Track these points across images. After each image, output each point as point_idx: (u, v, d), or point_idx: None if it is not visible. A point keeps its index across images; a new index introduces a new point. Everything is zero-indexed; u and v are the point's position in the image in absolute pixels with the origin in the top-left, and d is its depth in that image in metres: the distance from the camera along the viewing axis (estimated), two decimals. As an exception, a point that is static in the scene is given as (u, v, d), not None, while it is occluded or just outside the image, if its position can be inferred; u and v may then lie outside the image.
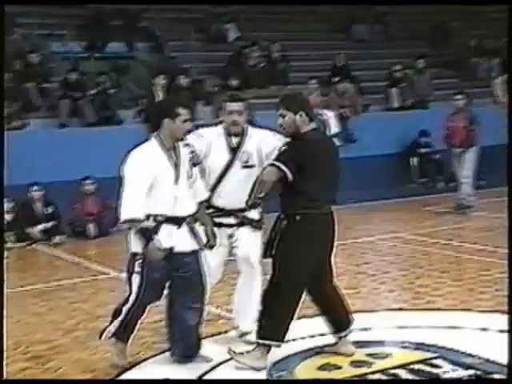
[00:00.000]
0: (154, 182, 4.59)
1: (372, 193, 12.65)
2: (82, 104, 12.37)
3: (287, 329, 4.74)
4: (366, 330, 5.42)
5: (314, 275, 4.79)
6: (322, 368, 4.76)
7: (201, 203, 4.95)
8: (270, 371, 4.74)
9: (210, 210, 5.24)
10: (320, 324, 5.66)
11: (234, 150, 5.25)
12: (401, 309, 6.09)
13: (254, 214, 5.30)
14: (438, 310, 5.94)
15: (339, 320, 4.96)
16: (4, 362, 4.99)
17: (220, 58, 14.91)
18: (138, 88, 13.34)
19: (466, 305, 6.10)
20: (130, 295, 4.75)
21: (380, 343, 5.14)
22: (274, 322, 4.73)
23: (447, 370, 4.59)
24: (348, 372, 4.68)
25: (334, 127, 15.70)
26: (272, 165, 4.66)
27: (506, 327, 5.26)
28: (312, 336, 5.33)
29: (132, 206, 4.54)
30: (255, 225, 5.31)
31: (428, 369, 4.64)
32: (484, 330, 5.29)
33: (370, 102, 14.72)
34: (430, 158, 14.09)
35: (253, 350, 4.78)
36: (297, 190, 4.65)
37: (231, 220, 5.27)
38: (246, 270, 5.37)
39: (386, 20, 17.98)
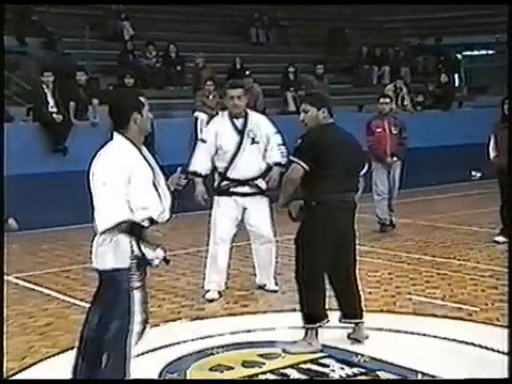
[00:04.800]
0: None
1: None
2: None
3: (321, 309, 5.02)
4: (256, 330, 5.50)
5: (333, 260, 5.00)
6: (213, 369, 4.79)
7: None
8: (161, 372, 4.73)
9: (226, 182, 6.42)
10: (213, 325, 5.70)
11: (241, 131, 6.38)
12: (293, 310, 6.17)
13: (263, 184, 6.48)
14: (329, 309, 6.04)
15: (348, 308, 5.15)
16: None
17: (115, 56, 14.71)
18: (28, 85, 12.92)
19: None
20: None
21: (271, 344, 5.20)
22: (306, 307, 5.02)
23: (334, 369, 4.71)
24: (239, 372, 4.72)
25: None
26: (294, 162, 4.92)
27: (396, 327, 5.46)
28: (202, 338, 5.34)
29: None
30: (265, 193, 6.49)
31: (317, 368, 4.74)
32: (378, 329, 5.39)
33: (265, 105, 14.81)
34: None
35: (303, 337, 5.03)
36: (312, 179, 4.86)
37: (246, 189, 6.44)
38: (259, 236, 6.54)
39: (282, 24, 18.22)
